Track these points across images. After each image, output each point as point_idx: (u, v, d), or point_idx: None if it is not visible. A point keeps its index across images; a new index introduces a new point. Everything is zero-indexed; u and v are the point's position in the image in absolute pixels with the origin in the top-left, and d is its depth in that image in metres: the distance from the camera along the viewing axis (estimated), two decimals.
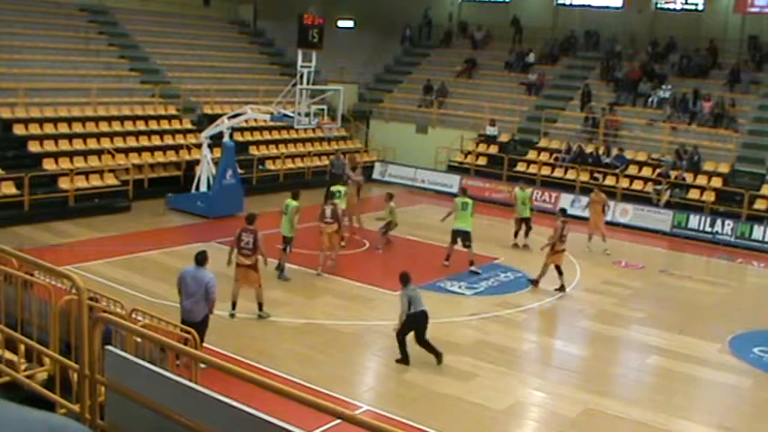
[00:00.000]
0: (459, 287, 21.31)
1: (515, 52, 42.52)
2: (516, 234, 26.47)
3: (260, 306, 17.74)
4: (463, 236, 23.02)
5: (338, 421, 5.59)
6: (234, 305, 17.67)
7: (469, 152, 37.08)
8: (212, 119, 30.92)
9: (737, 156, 33.15)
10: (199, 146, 29.58)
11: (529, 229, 26.33)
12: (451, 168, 36.90)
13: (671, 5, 41.95)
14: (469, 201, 23.54)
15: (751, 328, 19.62)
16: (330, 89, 30.72)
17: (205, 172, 28.42)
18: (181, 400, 5.51)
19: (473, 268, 22.77)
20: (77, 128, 29.27)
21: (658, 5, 42.30)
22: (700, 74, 37.73)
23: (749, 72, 36.94)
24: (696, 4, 41.09)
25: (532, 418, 14.47)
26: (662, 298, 22.09)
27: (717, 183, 31.97)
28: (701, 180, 32.27)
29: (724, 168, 32.71)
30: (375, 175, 37.27)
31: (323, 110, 27.59)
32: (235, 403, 5.20)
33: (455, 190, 34.47)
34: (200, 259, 14.65)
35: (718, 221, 29.55)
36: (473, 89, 41.03)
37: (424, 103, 40.96)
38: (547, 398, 15.00)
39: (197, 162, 29.31)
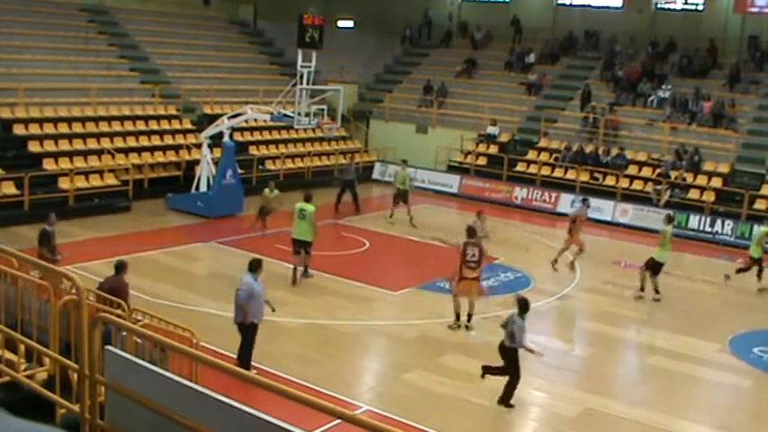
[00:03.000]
0: None
1: (515, 52, 42.50)
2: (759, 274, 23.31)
3: (469, 317, 18.03)
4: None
5: (338, 421, 5.59)
6: (458, 317, 18.01)
7: (469, 152, 37.07)
8: (212, 119, 30.93)
9: (737, 156, 33.15)
10: (199, 146, 29.58)
11: (761, 270, 23.52)
12: (451, 168, 36.88)
13: (671, 5, 41.91)
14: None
15: (751, 328, 19.63)
16: (330, 89, 30.75)
17: (205, 172, 28.42)
18: (181, 400, 5.51)
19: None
20: (77, 128, 29.27)
21: (658, 5, 42.26)
22: (700, 74, 37.73)
23: (749, 72, 36.94)
24: (696, 4, 41.05)
25: (532, 417, 14.48)
26: (662, 298, 22.07)
27: (717, 183, 31.98)
28: (701, 180, 32.28)
29: (724, 168, 32.71)
30: (375, 175, 37.28)
31: (323, 110, 27.62)
32: (235, 403, 5.20)
33: (455, 190, 34.56)
34: (250, 266, 14.57)
35: (718, 221, 29.57)
36: (473, 89, 41.01)
37: (423, 103, 40.95)
38: (547, 398, 15.01)
39: (197, 162, 29.31)
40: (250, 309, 14.23)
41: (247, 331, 14.37)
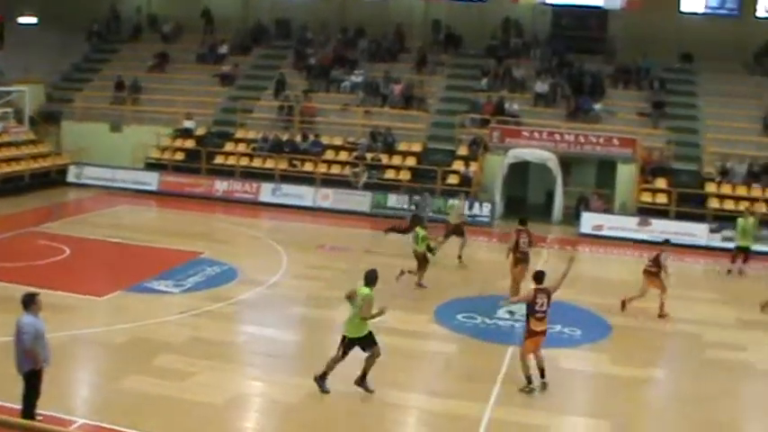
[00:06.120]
0: (166, 285, 20.80)
1: (207, 44, 42.10)
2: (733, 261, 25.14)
3: (542, 371, 15.27)
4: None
5: None
6: (530, 379, 15.11)
7: (166, 148, 36.37)
8: None
9: (429, 135, 34.74)
10: None
11: (746, 260, 25.04)
12: (150, 166, 35.93)
13: None
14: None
15: (455, 297, 20.61)
16: (13, 90, 29.12)
17: None
18: None
19: None
20: None
21: None
22: (389, 58, 39.12)
23: (435, 55, 38.78)
24: None
25: (254, 408, 14.40)
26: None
27: (411, 161, 33.44)
28: (397, 160, 33.60)
29: (417, 147, 34.19)
30: (70, 178, 35.53)
31: (8, 113, 26.11)
32: None
33: (154, 187, 33.91)
34: (24, 304, 12.16)
35: (417, 198, 30.74)
36: (166, 84, 40.11)
37: (116, 101, 39.61)
38: (266, 386, 15.01)
39: None
40: (39, 351, 12.11)
41: (38, 378, 12.23)
